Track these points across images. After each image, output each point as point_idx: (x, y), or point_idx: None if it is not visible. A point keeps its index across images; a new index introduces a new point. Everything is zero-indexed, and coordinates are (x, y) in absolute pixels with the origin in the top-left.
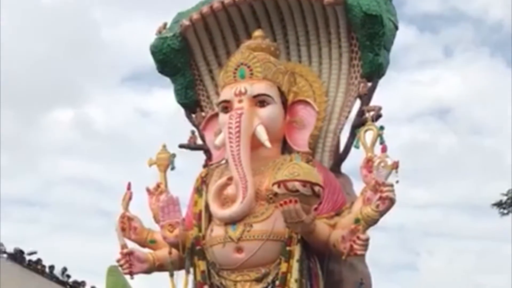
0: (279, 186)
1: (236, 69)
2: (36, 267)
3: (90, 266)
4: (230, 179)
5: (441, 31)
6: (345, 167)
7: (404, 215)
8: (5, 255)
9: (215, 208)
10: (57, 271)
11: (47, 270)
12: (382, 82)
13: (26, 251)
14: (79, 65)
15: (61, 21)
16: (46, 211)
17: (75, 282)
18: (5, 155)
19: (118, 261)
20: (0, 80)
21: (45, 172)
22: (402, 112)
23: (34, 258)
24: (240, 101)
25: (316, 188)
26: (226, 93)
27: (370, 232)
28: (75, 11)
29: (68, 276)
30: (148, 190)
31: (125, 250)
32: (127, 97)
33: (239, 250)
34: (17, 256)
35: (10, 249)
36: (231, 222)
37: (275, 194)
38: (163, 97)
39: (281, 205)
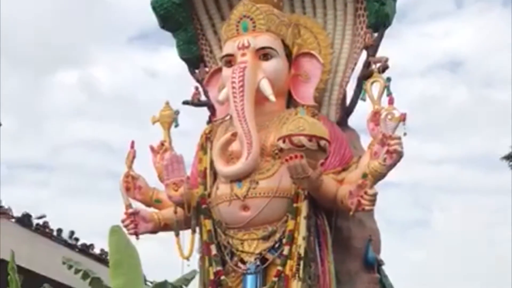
0: (284, 141)
1: (238, 22)
2: (44, 230)
3: (100, 229)
4: (235, 135)
5: None
6: (352, 120)
7: (417, 171)
8: (13, 220)
9: (219, 165)
10: (65, 235)
11: (54, 233)
12: (392, 35)
13: (34, 215)
14: (84, 26)
15: None
16: (55, 175)
17: (83, 245)
18: (12, 119)
19: (123, 221)
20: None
21: (53, 135)
22: (414, 66)
23: (41, 221)
24: (243, 55)
25: (322, 143)
26: (229, 47)
27: (383, 189)
28: None
29: (76, 239)
30: (152, 148)
31: (129, 210)
32: (135, 57)
33: (245, 208)
34: (25, 220)
35: (18, 213)
36: (236, 179)
37: (281, 150)
38: (171, 55)
39: (286, 160)
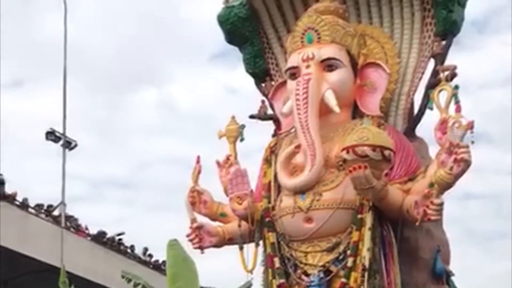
0: (347, 152)
1: (303, 34)
2: (119, 247)
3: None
4: (298, 147)
5: None
6: (420, 130)
7: (500, 182)
8: (89, 238)
9: (283, 178)
10: (138, 251)
11: (129, 250)
12: (472, 45)
13: (115, 232)
14: (164, 45)
15: (142, 3)
16: (137, 192)
17: (156, 261)
18: (93, 137)
19: (188, 235)
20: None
21: (134, 153)
22: (495, 76)
23: (117, 238)
24: (307, 67)
25: (387, 153)
26: (294, 59)
27: (465, 200)
28: None
29: (150, 256)
30: (218, 163)
31: (194, 224)
32: (215, 74)
33: (308, 220)
34: (101, 238)
35: (92, 231)
36: (300, 191)
37: (344, 161)
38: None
39: (350, 171)
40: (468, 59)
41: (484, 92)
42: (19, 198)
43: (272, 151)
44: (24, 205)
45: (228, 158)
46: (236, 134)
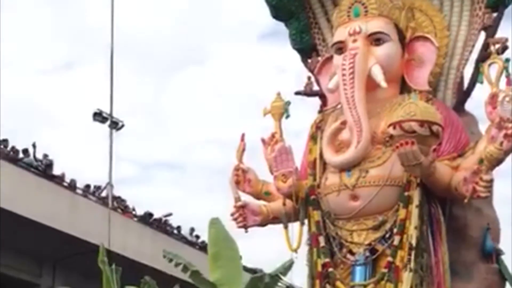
0: (394, 128)
1: (350, 8)
2: (165, 228)
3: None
4: (344, 123)
5: None
6: (470, 105)
7: None
8: (135, 218)
9: (329, 154)
10: (185, 232)
11: (175, 231)
12: None
13: (163, 213)
14: (210, 25)
15: None
16: (186, 173)
17: (203, 242)
18: (143, 119)
19: (232, 214)
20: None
21: (181, 135)
22: None
23: (162, 219)
24: (354, 41)
25: (435, 128)
26: (340, 34)
27: None
28: None
29: (197, 237)
30: (263, 140)
31: (238, 203)
32: (263, 54)
33: (354, 197)
34: (147, 219)
35: (139, 212)
36: (345, 168)
37: (391, 136)
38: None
39: (397, 147)
40: None
41: None
42: (67, 180)
43: (318, 127)
44: (71, 186)
45: (273, 136)
46: (281, 111)
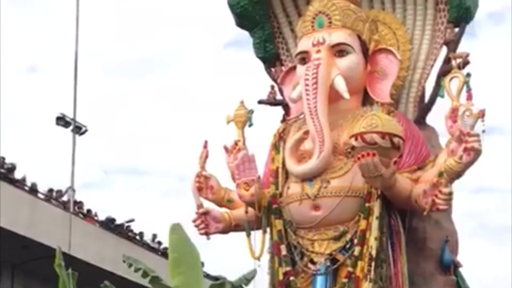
0: (356, 139)
1: (314, 18)
2: (127, 234)
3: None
4: (307, 133)
5: None
6: (431, 118)
7: None
8: (97, 224)
9: (291, 164)
10: (147, 238)
11: (137, 237)
12: (488, 38)
13: (126, 218)
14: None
15: None
16: (149, 179)
17: (165, 248)
18: (107, 123)
19: (194, 221)
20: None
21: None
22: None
23: (124, 225)
24: (318, 51)
25: (396, 140)
26: (304, 44)
27: (478, 194)
28: None
29: (160, 243)
30: (225, 148)
31: (200, 210)
32: (228, 62)
33: (316, 207)
34: (109, 224)
35: (101, 217)
36: (307, 178)
37: (353, 148)
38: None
39: (358, 158)
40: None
41: (498, 84)
42: (28, 183)
43: (281, 136)
44: (33, 190)
45: (236, 144)
46: (244, 119)
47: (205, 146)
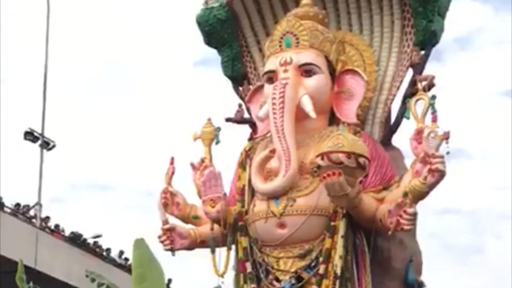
0: (322, 158)
1: (282, 38)
2: (94, 250)
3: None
4: (273, 151)
5: None
6: (396, 140)
7: (478, 197)
8: (64, 239)
9: (257, 182)
10: (114, 254)
11: (104, 253)
12: (454, 63)
13: (91, 234)
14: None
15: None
16: (115, 194)
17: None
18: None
19: (159, 237)
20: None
21: (113, 155)
22: (476, 93)
23: (91, 241)
24: (285, 71)
25: (361, 160)
26: (271, 63)
27: (443, 215)
28: None
29: (126, 259)
30: (192, 165)
31: (166, 226)
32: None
33: (281, 225)
34: (76, 239)
35: (68, 232)
36: (273, 196)
37: (319, 167)
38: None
39: (324, 177)
40: (450, 76)
41: (464, 108)
42: None
43: (247, 155)
44: None
45: (202, 161)
46: (211, 136)
47: (172, 163)
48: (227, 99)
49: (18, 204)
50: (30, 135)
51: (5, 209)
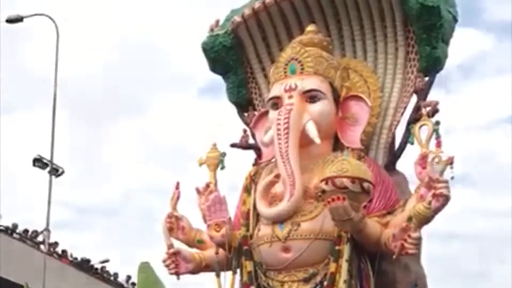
0: (326, 183)
1: (286, 64)
2: (102, 275)
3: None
4: (278, 176)
5: None
6: (400, 165)
7: (481, 223)
8: (72, 264)
9: (262, 207)
10: (121, 279)
11: (111, 278)
12: (457, 90)
13: (100, 259)
14: (149, 77)
15: (124, 36)
16: (122, 219)
17: None
18: (82, 165)
19: (164, 261)
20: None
21: (120, 181)
22: (479, 119)
23: (99, 266)
24: (290, 97)
25: (366, 185)
26: (276, 89)
27: (447, 241)
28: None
29: (134, 284)
30: (197, 190)
31: (171, 250)
32: (201, 108)
33: (286, 249)
34: (84, 265)
35: (78, 257)
36: (278, 221)
37: (323, 191)
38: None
39: (328, 202)
40: (454, 103)
41: (467, 135)
42: (5, 223)
43: (252, 179)
44: (7, 230)
45: (208, 186)
46: (216, 161)
47: (177, 187)
48: (232, 124)
49: (26, 230)
50: (39, 162)
51: (14, 235)
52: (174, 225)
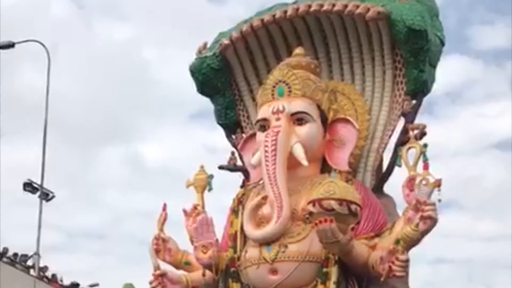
0: (314, 205)
1: (274, 87)
2: None
3: None
4: (265, 198)
5: (507, 65)
6: (388, 187)
7: (470, 248)
8: None
9: (249, 229)
10: None
11: None
12: (446, 116)
13: (88, 283)
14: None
15: (113, 61)
16: (111, 244)
17: None
18: (71, 190)
19: (150, 283)
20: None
21: (109, 205)
22: (467, 145)
23: None
24: (277, 119)
25: (353, 207)
26: (264, 111)
27: (436, 265)
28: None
29: None
30: (184, 211)
31: (157, 272)
32: (194, 134)
33: (273, 271)
34: None
35: (68, 282)
36: (265, 242)
37: (311, 213)
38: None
39: (316, 224)
40: (442, 129)
41: (455, 160)
42: None
43: (240, 201)
44: None
45: (195, 207)
46: (204, 183)
47: (164, 209)
48: (220, 147)
49: (15, 254)
50: (29, 186)
51: (4, 259)
52: (161, 246)
